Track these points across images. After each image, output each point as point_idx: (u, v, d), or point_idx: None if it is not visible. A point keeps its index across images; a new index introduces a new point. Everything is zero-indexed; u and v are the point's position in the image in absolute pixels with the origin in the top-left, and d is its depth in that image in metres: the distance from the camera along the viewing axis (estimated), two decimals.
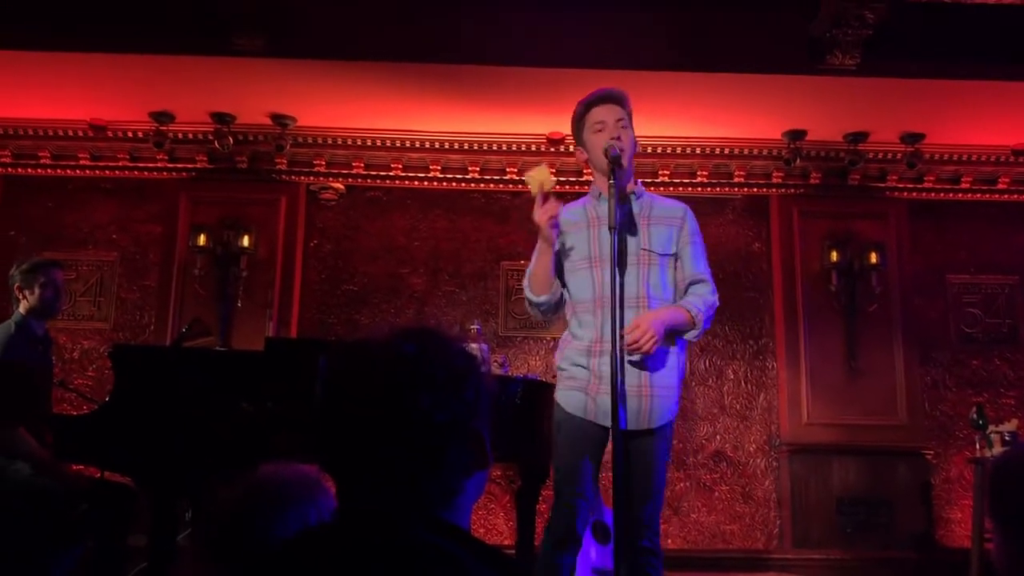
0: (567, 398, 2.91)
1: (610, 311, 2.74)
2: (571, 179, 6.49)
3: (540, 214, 2.84)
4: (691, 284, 2.99)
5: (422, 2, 5.48)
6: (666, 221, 3.00)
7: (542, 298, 2.97)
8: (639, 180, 3.13)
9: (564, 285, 3.02)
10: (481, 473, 1.27)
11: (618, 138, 2.94)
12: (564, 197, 3.06)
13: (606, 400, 2.75)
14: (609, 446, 2.80)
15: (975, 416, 5.57)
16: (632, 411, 2.81)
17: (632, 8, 5.49)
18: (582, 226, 3.01)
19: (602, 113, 3.01)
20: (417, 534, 1.13)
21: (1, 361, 3.78)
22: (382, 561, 1.09)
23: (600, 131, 2.98)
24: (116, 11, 5.39)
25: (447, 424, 1.20)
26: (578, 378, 2.90)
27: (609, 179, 2.84)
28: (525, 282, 3.01)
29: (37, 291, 3.95)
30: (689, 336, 2.94)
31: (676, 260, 3.00)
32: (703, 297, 2.95)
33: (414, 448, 1.18)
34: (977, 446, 5.64)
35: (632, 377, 2.83)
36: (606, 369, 2.76)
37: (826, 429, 6.29)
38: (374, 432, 1.18)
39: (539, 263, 2.95)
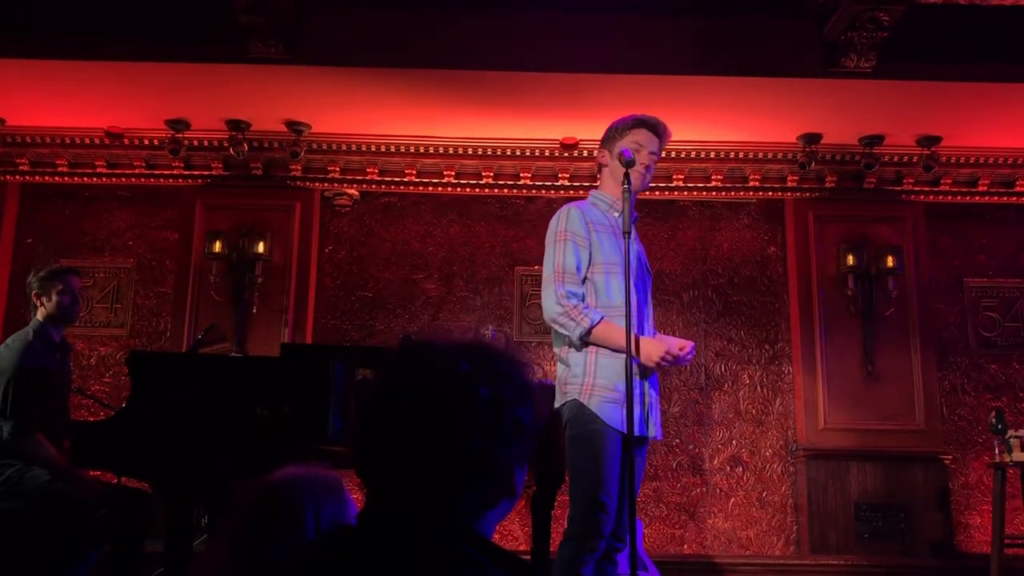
0: (608, 412, 2.98)
1: (627, 322, 2.91)
2: (585, 184, 6.49)
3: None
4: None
5: (437, 8, 5.49)
6: (643, 253, 3.24)
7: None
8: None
9: (584, 280, 3.11)
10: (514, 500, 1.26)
11: (645, 164, 3.13)
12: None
13: (635, 410, 2.96)
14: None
15: (994, 421, 5.52)
16: (653, 420, 3.06)
17: (646, 13, 5.48)
18: (609, 231, 3.12)
19: (646, 138, 3.17)
20: (438, 538, 1.12)
21: (19, 368, 3.80)
22: (405, 564, 1.08)
23: (635, 151, 3.10)
24: (132, 20, 5.42)
25: (501, 459, 1.19)
26: (619, 391, 2.97)
27: (623, 183, 2.93)
28: (586, 327, 3.03)
29: (55, 298, 3.97)
30: None
31: None
32: None
33: (460, 474, 1.17)
34: (996, 451, 5.59)
35: (653, 389, 3.12)
36: (637, 379, 2.97)
37: (843, 434, 6.25)
38: (424, 454, 1.16)
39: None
